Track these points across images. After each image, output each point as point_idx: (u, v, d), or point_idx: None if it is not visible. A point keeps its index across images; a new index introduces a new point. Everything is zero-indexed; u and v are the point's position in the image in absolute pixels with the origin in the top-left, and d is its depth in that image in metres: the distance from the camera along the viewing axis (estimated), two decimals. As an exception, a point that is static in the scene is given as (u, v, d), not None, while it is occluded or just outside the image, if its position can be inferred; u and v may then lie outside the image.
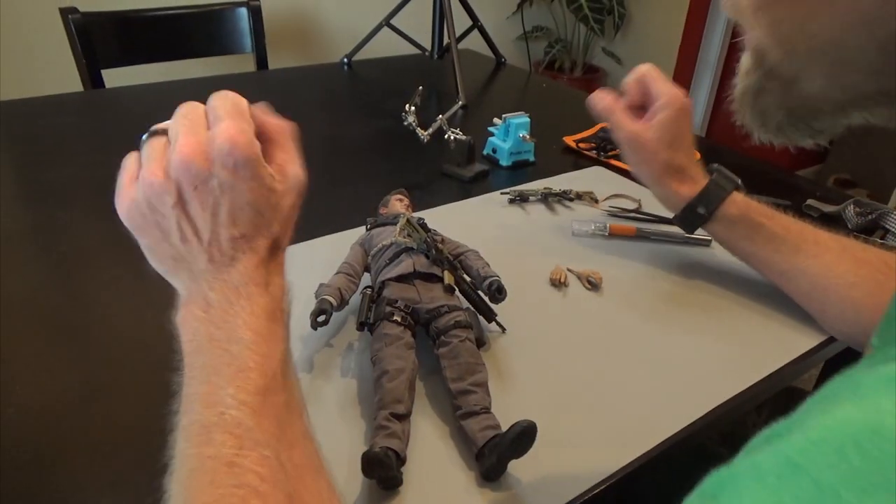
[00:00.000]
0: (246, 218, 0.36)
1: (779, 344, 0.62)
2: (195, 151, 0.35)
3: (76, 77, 1.37)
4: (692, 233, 0.69)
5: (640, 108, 0.67)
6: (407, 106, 0.88)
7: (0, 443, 0.47)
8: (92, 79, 1.35)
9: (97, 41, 1.36)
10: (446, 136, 0.90)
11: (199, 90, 1.25)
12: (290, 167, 0.39)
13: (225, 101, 0.37)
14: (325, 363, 0.56)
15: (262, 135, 0.38)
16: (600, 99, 0.67)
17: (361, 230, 0.68)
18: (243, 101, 0.38)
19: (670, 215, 0.69)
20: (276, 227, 0.38)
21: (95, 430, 0.49)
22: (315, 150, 1.03)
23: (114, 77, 1.38)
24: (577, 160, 1.01)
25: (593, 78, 2.99)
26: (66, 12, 1.32)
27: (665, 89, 0.65)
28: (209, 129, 0.36)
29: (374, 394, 0.50)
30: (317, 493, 0.35)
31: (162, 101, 1.20)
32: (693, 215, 0.66)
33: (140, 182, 0.36)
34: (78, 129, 1.03)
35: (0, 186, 0.85)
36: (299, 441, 0.36)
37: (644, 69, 0.66)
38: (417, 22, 1.54)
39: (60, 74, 1.58)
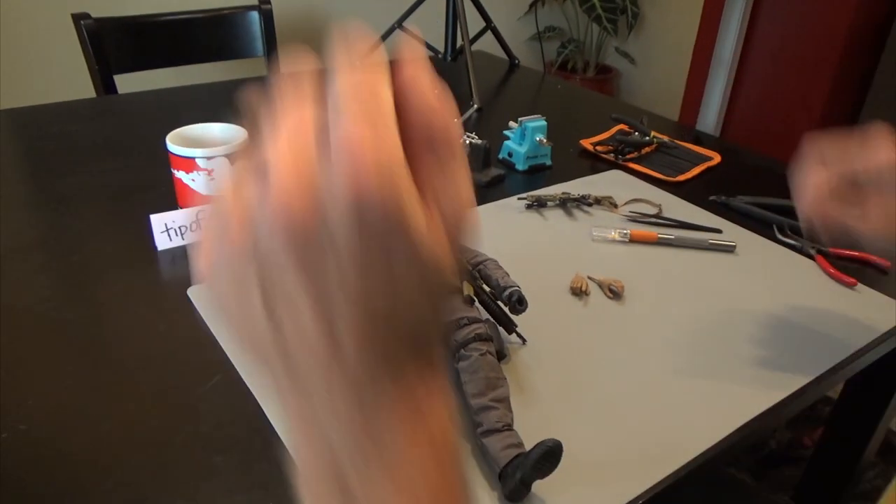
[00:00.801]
0: (373, 312, 0.19)
1: (805, 358, 0.59)
2: (298, 187, 0.18)
3: (89, 83, 1.37)
4: None
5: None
6: (421, 110, 0.86)
7: (11, 456, 0.45)
8: (104, 84, 1.35)
9: (109, 46, 1.36)
10: (461, 140, 0.88)
11: (212, 95, 1.24)
12: (463, 203, 0.20)
13: (355, 98, 0.19)
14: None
15: (412, 144, 0.20)
16: (823, 217, 0.50)
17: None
18: (384, 93, 0.19)
19: (690, 219, 0.66)
20: (429, 312, 0.21)
21: (107, 443, 0.47)
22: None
23: (126, 82, 1.37)
24: (595, 164, 0.99)
25: (606, 78, 2.97)
26: (78, 18, 1.31)
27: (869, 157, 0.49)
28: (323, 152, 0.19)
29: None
30: None
31: (174, 107, 1.20)
32: None
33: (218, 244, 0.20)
34: (90, 136, 1.02)
35: (13, 194, 0.84)
36: None
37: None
38: (430, 24, 1.52)
39: (73, 80, 1.58)
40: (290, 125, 0.19)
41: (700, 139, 1.09)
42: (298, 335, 0.20)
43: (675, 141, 1.04)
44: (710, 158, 1.00)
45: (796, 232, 0.79)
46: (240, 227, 0.20)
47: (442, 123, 0.20)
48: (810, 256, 0.75)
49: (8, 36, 1.85)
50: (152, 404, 0.51)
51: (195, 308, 0.62)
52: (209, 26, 1.52)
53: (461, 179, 0.20)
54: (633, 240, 0.75)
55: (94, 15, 1.32)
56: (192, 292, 0.64)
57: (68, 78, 1.69)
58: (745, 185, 0.92)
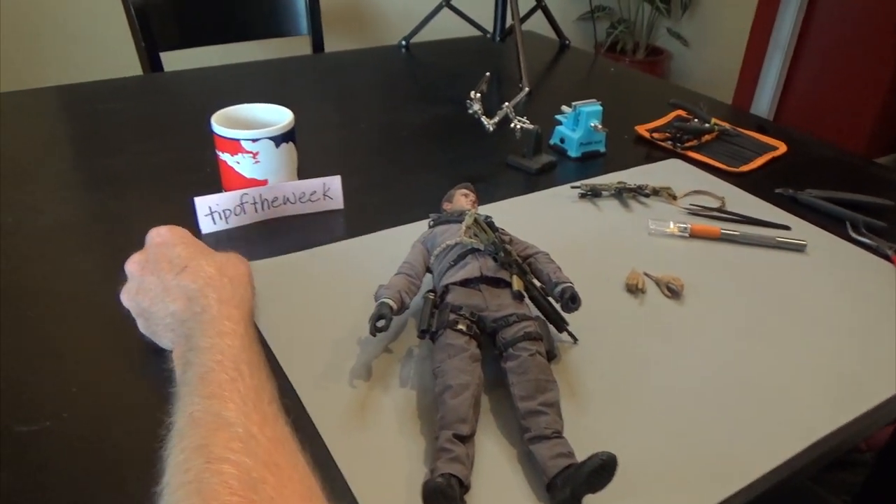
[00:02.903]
0: (177, 260, 0.51)
1: (886, 368, 0.55)
2: (136, 260, 0.52)
3: (135, 60, 1.37)
4: None
5: None
6: (472, 93, 0.83)
7: (53, 444, 0.45)
8: (150, 61, 1.35)
9: (156, 23, 1.35)
10: (512, 125, 0.85)
11: (256, 74, 1.23)
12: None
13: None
14: (382, 371, 0.53)
15: None
16: None
17: (422, 225, 0.64)
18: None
19: (756, 214, 0.61)
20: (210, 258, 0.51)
21: (148, 434, 0.46)
22: (372, 137, 1.01)
23: (171, 59, 1.37)
24: (651, 151, 0.94)
25: (657, 60, 2.87)
26: (125, -6, 1.31)
27: None
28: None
29: (436, 410, 0.46)
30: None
31: (219, 86, 1.19)
32: None
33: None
34: (136, 115, 1.02)
35: (58, 172, 0.84)
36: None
37: None
38: (478, 2, 1.48)
39: (120, 57, 1.59)
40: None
41: (764, 127, 1.03)
42: (156, 302, 0.49)
43: (737, 129, 0.98)
44: (775, 148, 0.94)
45: (872, 230, 0.73)
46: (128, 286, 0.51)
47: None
48: (887, 257, 0.70)
49: (57, 11, 1.88)
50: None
51: (236, 294, 0.61)
52: (255, 4, 1.51)
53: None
54: (694, 235, 0.71)
55: (141, -9, 1.32)
56: (233, 277, 0.63)
57: (115, 55, 1.71)
58: (813, 177, 0.87)
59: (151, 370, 0.52)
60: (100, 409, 0.48)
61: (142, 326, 0.50)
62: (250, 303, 0.47)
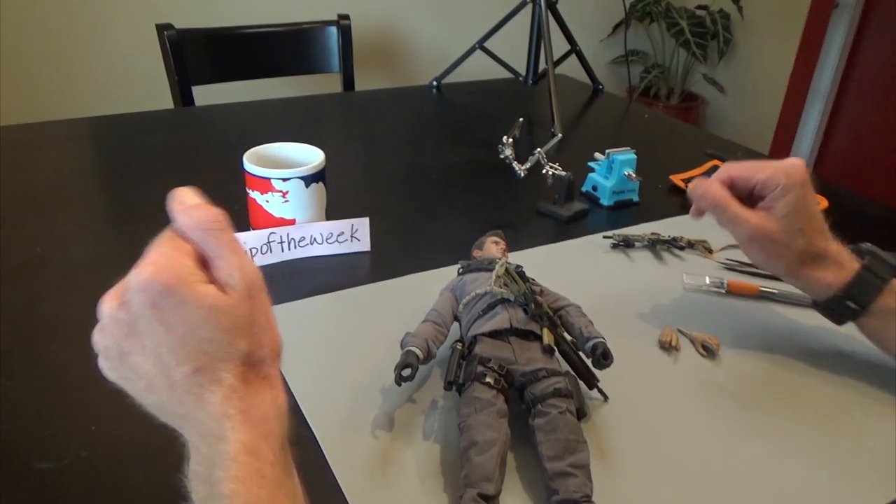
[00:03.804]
0: (191, 349, 0.33)
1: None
2: (113, 299, 0.34)
3: (167, 93, 1.42)
4: (841, 325, 0.60)
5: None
6: (505, 138, 0.85)
7: (71, 484, 0.46)
8: (182, 95, 1.40)
9: (189, 58, 1.41)
10: (543, 172, 0.86)
11: (286, 111, 1.27)
12: (233, 270, 0.34)
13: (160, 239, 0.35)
14: (406, 422, 0.53)
15: (196, 242, 0.35)
16: (707, 190, 0.59)
17: (450, 271, 0.65)
18: (177, 225, 0.36)
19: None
20: (242, 343, 0.34)
21: (168, 476, 0.47)
22: (401, 178, 1.03)
23: (203, 93, 1.42)
24: (686, 202, 0.94)
25: (691, 106, 2.89)
26: (162, 29, 1.37)
27: (773, 170, 0.57)
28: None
29: (461, 466, 0.46)
30: None
31: (250, 121, 1.22)
32: (842, 307, 0.58)
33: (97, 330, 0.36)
34: (167, 148, 1.06)
35: (89, 204, 0.87)
36: None
37: (717, 188, 0.59)
38: (511, 45, 1.52)
39: (152, 90, 1.65)
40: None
41: (803, 181, 1.03)
42: (147, 376, 0.34)
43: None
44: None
45: (919, 293, 0.72)
46: (99, 328, 0.36)
47: (205, 223, 0.35)
48: (936, 322, 0.68)
49: (93, 44, 1.96)
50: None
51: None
52: (288, 40, 1.56)
53: (227, 248, 0.35)
54: (731, 291, 0.71)
55: (176, 26, 1.38)
56: (257, 317, 0.64)
57: (147, 87, 1.77)
58: (856, 234, 0.86)
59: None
60: (119, 450, 0.49)
61: (111, 376, 0.37)
62: (283, 423, 0.36)
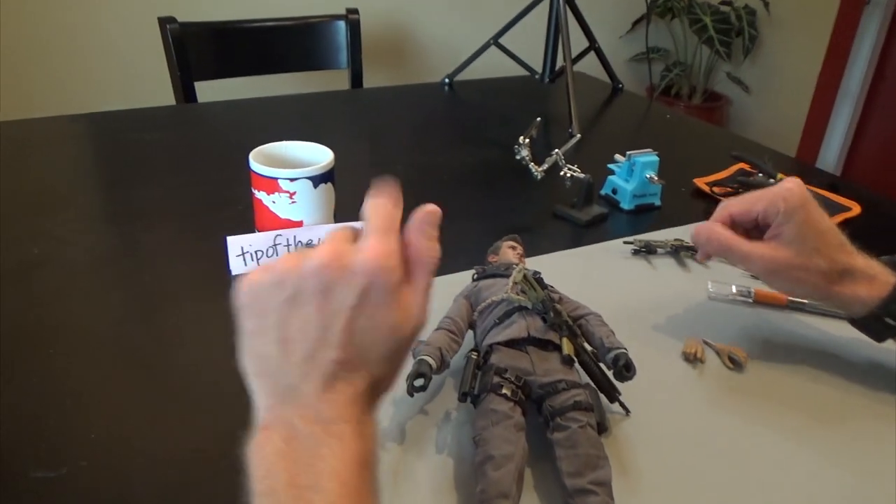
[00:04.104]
0: (357, 344, 0.35)
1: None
2: (335, 257, 0.35)
3: (169, 89, 1.43)
4: (881, 342, 0.60)
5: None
6: (521, 138, 0.85)
7: (69, 494, 0.46)
8: (185, 91, 1.41)
9: (192, 52, 1.42)
10: (561, 174, 0.86)
11: (291, 108, 1.27)
12: (416, 308, 0.37)
13: (380, 213, 0.37)
14: (418, 434, 0.53)
15: (404, 258, 0.38)
16: (710, 235, 0.60)
17: (463, 276, 0.65)
18: (397, 215, 0.38)
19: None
20: (383, 367, 0.37)
21: (171, 488, 0.47)
22: (411, 180, 1.02)
23: (205, 90, 1.43)
24: (710, 206, 0.93)
25: (714, 106, 2.88)
26: (164, 22, 1.38)
27: (771, 197, 0.57)
28: (355, 242, 0.36)
29: (476, 481, 0.46)
30: None
31: (254, 119, 1.23)
32: (880, 325, 0.57)
33: (272, 268, 0.36)
34: (168, 146, 1.06)
35: (88, 203, 0.88)
36: None
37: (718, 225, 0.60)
38: (527, 41, 1.52)
39: (153, 86, 1.66)
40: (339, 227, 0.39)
41: (835, 186, 1.02)
42: (296, 335, 0.35)
43: (809, 186, 0.97)
44: (848, 209, 0.93)
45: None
46: (293, 262, 0.36)
47: (420, 253, 0.38)
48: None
49: (93, 36, 1.98)
50: (220, 449, 0.51)
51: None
52: (294, 35, 1.57)
53: (422, 284, 0.38)
54: (758, 300, 0.71)
55: (179, 19, 1.39)
56: (262, 323, 0.64)
57: (148, 83, 1.78)
58: (891, 242, 0.86)
59: (179, 421, 0.53)
60: (120, 460, 0.49)
61: (245, 325, 0.37)
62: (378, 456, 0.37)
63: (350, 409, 0.35)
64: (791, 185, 0.58)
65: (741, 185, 0.95)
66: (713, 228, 0.60)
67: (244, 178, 0.74)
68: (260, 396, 0.37)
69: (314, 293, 0.35)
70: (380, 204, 0.38)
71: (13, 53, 1.89)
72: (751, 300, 0.71)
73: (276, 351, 0.35)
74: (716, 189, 0.96)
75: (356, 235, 0.38)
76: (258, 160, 0.72)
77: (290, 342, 0.35)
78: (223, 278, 0.70)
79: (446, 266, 0.73)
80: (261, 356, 0.36)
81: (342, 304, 0.35)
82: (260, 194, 0.72)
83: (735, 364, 0.62)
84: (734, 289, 0.72)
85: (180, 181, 0.93)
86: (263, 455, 0.34)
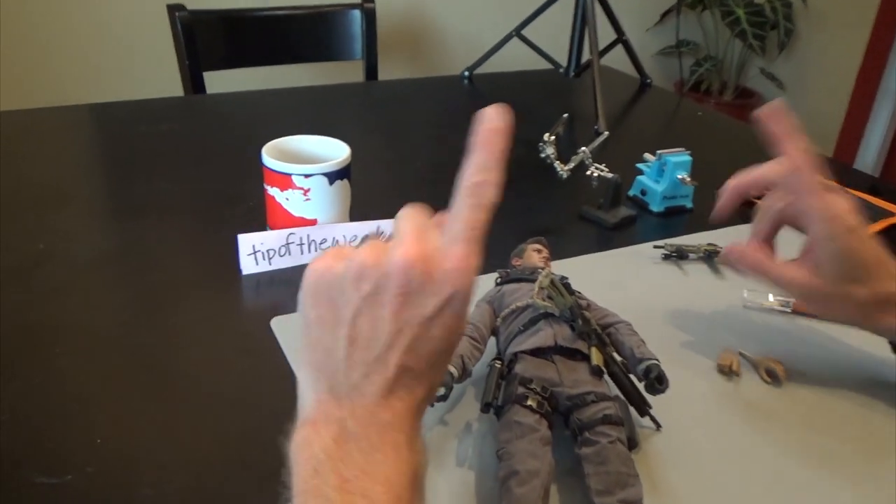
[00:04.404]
0: (425, 352, 0.35)
1: None
2: (421, 259, 0.34)
3: (177, 79, 1.44)
4: None
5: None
6: (546, 135, 0.84)
7: (75, 501, 0.46)
8: (193, 82, 1.42)
9: (202, 41, 1.42)
10: (588, 173, 0.86)
11: (304, 101, 1.27)
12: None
13: (467, 218, 0.36)
14: (437, 446, 0.52)
15: None
16: (742, 257, 0.60)
17: (486, 280, 0.64)
18: (483, 220, 0.37)
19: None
20: (437, 377, 0.37)
21: (178, 494, 0.47)
22: (429, 177, 1.02)
23: (215, 80, 1.44)
24: (746, 210, 0.93)
25: (747, 103, 2.86)
26: (173, 10, 1.39)
27: (815, 205, 0.54)
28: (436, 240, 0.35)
29: (499, 498, 0.46)
30: None
31: (264, 111, 1.23)
32: None
33: (350, 258, 0.35)
34: (176, 139, 1.07)
35: (92, 198, 0.88)
36: None
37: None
38: (552, 33, 1.51)
39: (161, 76, 1.67)
40: (416, 218, 0.37)
41: (877, 188, 1.01)
42: (367, 332, 0.35)
43: (848, 190, 0.96)
44: (892, 214, 0.92)
45: None
46: (375, 256, 0.35)
47: None
48: None
49: (98, 24, 1.99)
50: (229, 454, 0.51)
51: (278, 342, 0.62)
52: (307, 24, 1.57)
53: None
54: (797, 310, 0.70)
55: (188, 7, 1.40)
56: (275, 324, 0.64)
57: (156, 73, 1.80)
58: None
59: (188, 426, 0.53)
60: (127, 465, 0.49)
61: (311, 312, 0.36)
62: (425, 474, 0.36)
63: (407, 419, 0.35)
64: (838, 208, 0.54)
65: (778, 187, 0.93)
66: (744, 251, 0.60)
67: (255, 174, 0.74)
68: (311, 389, 0.36)
69: (395, 295, 0.34)
70: (469, 206, 0.36)
71: (14, 40, 1.91)
72: (789, 310, 0.70)
73: (342, 346, 0.35)
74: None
75: (436, 227, 0.37)
76: (271, 155, 0.73)
77: (359, 340, 0.35)
78: (233, 277, 0.71)
79: (467, 269, 0.74)
80: (323, 348, 0.36)
81: (421, 311, 0.34)
82: (273, 191, 0.73)
83: (773, 378, 0.61)
84: (771, 297, 0.71)
85: (189, 176, 0.93)
86: (312, 453, 0.33)
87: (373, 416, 0.34)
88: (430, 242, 0.35)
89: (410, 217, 0.37)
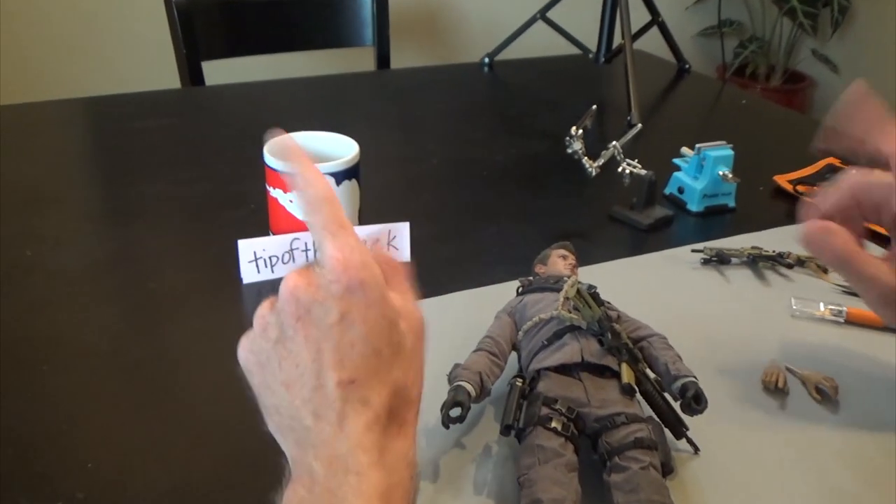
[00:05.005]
0: (357, 356, 0.36)
1: None
2: (303, 277, 0.36)
3: (173, 69, 1.45)
4: None
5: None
6: (573, 129, 0.84)
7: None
8: (191, 72, 1.43)
9: (200, 28, 1.44)
10: (619, 170, 0.86)
11: (310, 92, 1.28)
12: (409, 304, 0.39)
13: (322, 212, 0.37)
14: (453, 471, 0.53)
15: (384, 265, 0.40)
16: (826, 244, 0.54)
17: (506, 289, 0.65)
18: (338, 209, 0.38)
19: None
20: (398, 371, 0.37)
21: (167, 531, 0.48)
22: (447, 175, 1.03)
23: (214, 70, 1.45)
24: (794, 209, 0.91)
25: (797, 89, 2.84)
26: (169, -5, 1.40)
27: None
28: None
29: (521, 528, 0.46)
30: None
31: (268, 104, 1.25)
32: None
33: (256, 317, 0.38)
34: (174, 134, 1.08)
35: (83, 200, 0.89)
36: None
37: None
38: (580, 15, 1.51)
39: (156, 66, 1.69)
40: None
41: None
42: (293, 370, 0.36)
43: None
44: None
45: None
46: (268, 304, 0.38)
47: (387, 259, 0.40)
48: None
49: (89, 11, 2.02)
50: (229, 479, 0.51)
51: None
52: (314, 8, 1.59)
53: (404, 285, 0.40)
54: (851, 320, 0.70)
55: (186, -8, 1.41)
56: (277, 339, 0.65)
57: (150, 63, 1.82)
58: None
59: (185, 449, 0.54)
60: (120, 491, 0.50)
61: (254, 384, 0.39)
62: (414, 480, 0.38)
63: (367, 436, 0.35)
64: None
65: (830, 182, 0.93)
66: (828, 234, 0.54)
67: (257, 173, 0.75)
68: (286, 451, 0.38)
69: (294, 321, 0.36)
70: (314, 200, 0.37)
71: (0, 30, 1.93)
72: (842, 320, 0.70)
73: (283, 397, 0.37)
74: (800, 188, 0.95)
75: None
76: (274, 153, 0.73)
77: (292, 381, 0.36)
78: (233, 286, 0.72)
79: (486, 276, 0.74)
80: (274, 409, 0.38)
81: (325, 321, 0.35)
82: (275, 192, 0.73)
83: (823, 396, 0.61)
84: (822, 306, 0.71)
85: (186, 175, 0.94)
86: None
87: (332, 451, 0.35)
88: (310, 266, 0.37)
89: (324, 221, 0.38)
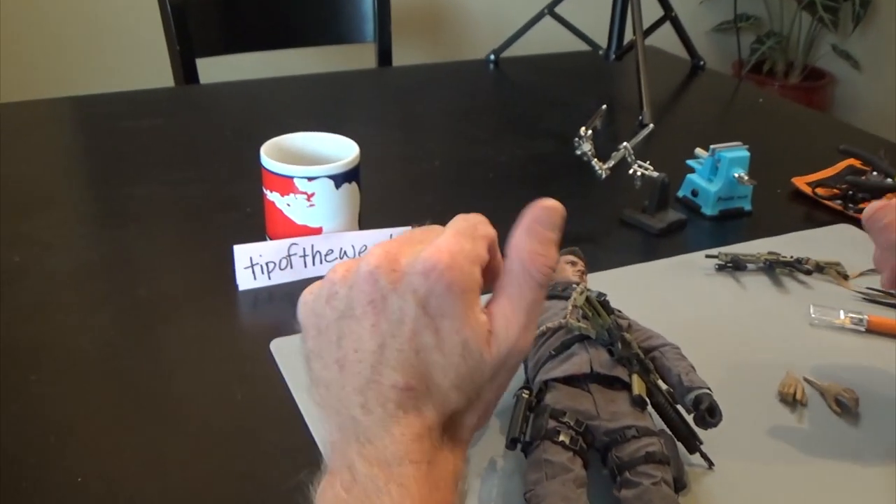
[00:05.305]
0: (418, 364, 0.34)
1: None
2: (385, 261, 0.34)
3: (166, 67, 1.46)
4: None
5: None
6: (582, 130, 0.85)
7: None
8: (185, 70, 1.44)
9: (194, 24, 1.44)
10: (630, 172, 0.86)
11: (308, 90, 1.29)
12: (514, 328, 0.36)
13: (462, 218, 0.36)
14: (457, 486, 0.53)
15: (492, 273, 0.37)
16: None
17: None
18: (486, 227, 0.37)
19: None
20: (457, 397, 0.35)
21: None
22: (450, 177, 1.03)
23: (209, 67, 1.46)
24: (813, 212, 0.93)
25: (817, 86, 2.84)
26: (163, -11, 1.41)
27: None
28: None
29: (527, 546, 0.46)
30: None
31: (264, 102, 1.25)
32: None
33: (328, 276, 0.36)
34: (167, 135, 1.09)
35: (72, 203, 0.90)
36: None
37: None
38: (589, 10, 1.52)
39: (149, 63, 1.70)
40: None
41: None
42: (352, 354, 0.35)
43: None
44: None
45: None
46: (345, 269, 0.36)
47: (516, 271, 0.37)
48: None
49: (79, 6, 2.02)
50: (224, 493, 0.52)
51: (278, 367, 0.63)
52: (311, 3, 1.59)
53: (518, 305, 0.36)
54: (872, 329, 0.70)
55: (180, -14, 1.42)
56: (275, 346, 0.65)
57: (143, 60, 1.82)
58: None
59: (179, 461, 0.54)
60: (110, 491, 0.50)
61: (307, 343, 0.38)
62: (460, 498, 0.37)
63: (417, 446, 0.34)
64: None
65: (851, 185, 0.93)
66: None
67: (254, 175, 0.75)
68: (326, 431, 0.37)
69: (366, 305, 0.34)
70: (469, 216, 0.37)
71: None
72: (863, 328, 0.70)
73: (335, 375, 0.35)
74: (819, 190, 0.95)
75: (430, 236, 0.36)
76: (271, 155, 0.74)
77: (347, 364, 0.35)
78: (228, 293, 0.73)
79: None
80: (323, 383, 0.36)
81: (400, 316, 0.34)
82: (272, 195, 0.74)
83: (843, 408, 0.61)
84: (842, 315, 0.71)
85: (180, 177, 0.95)
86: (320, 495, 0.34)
87: (378, 453, 0.34)
88: (405, 245, 0.35)
89: (396, 236, 0.37)
